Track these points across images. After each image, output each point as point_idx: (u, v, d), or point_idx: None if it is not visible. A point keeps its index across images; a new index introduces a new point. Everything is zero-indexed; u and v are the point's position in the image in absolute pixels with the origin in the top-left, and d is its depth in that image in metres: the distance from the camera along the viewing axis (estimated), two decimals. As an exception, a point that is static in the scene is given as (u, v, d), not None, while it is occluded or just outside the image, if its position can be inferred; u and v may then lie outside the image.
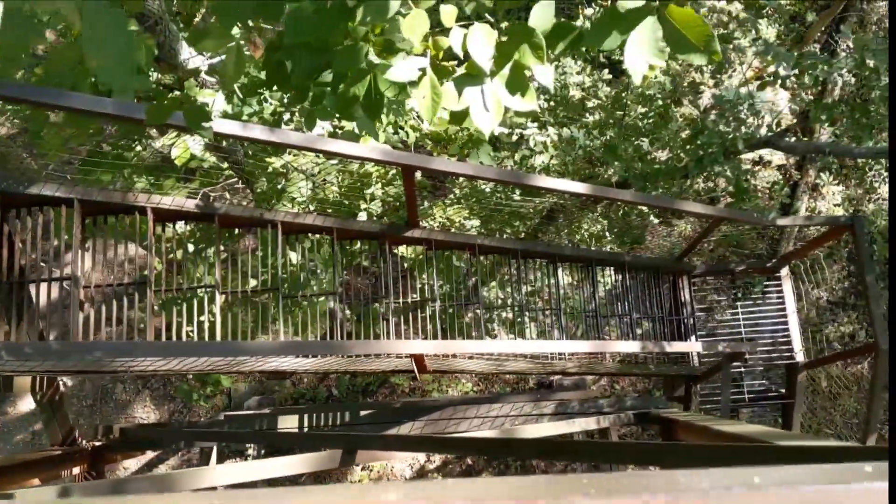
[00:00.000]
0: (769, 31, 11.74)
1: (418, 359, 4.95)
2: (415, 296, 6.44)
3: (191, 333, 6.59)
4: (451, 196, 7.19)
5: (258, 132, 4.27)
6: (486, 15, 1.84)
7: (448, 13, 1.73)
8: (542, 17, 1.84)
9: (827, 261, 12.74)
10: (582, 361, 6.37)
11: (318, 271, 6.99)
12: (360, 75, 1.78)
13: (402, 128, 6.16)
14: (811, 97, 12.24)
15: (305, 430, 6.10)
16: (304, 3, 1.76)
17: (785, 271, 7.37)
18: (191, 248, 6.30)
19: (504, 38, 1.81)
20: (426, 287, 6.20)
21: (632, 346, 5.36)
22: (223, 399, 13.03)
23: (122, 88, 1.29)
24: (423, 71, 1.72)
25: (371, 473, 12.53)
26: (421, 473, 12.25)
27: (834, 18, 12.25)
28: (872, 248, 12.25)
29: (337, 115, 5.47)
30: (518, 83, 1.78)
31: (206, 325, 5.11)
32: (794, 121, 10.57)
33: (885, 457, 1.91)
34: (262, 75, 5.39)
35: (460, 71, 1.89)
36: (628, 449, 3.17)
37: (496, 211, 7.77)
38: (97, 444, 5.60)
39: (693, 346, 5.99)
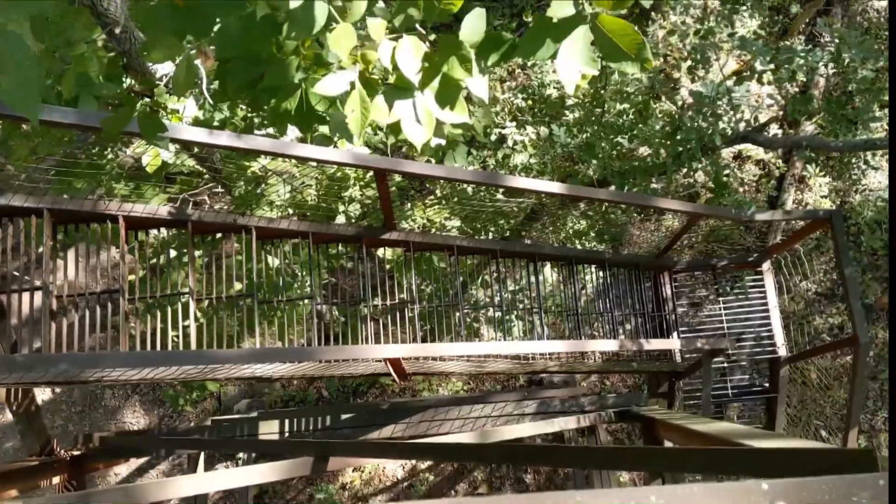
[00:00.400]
0: (752, 23, 11.73)
1: (394, 363, 4.93)
2: (400, 296, 6.42)
3: (176, 339, 6.58)
4: (432, 197, 7.17)
5: (225, 139, 4.25)
6: (419, 27, 1.82)
7: (376, 27, 1.71)
8: (473, 29, 1.82)
9: (815, 252, 12.77)
10: (563, 360, 6.36)
11: (300, 275, 6.97)
12: (291, 89, 1.77)
13: (381, 129, 6.14)
14: (797, 90, 12.26)
15: (287, 434, 6.09)
16: (232, 20, 1.74)
17: (767, 266, 7.37)
18: (173, 253, 6.28)
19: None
20: (406, 289, 6.18)
21: (609, 345, 5.35)
22: (213, 403, 13.00)
23: (25, 110, 1.27)
24: (352, 85, 1.71)
25: (362, 474, 12.52)
26: (412, 473, 12.25)
27: (819, 10, 12.25)
28: (860, 239, 12.28)
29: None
30: (448, 96, 1.76)
31: (192, 330, 5.09)
32: (781, 114, 10.57)
33: (808, 470, 1.91)
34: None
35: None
36: (588, 453, 3.17)
37: (479, 210, 7.76)
38: (76, 453, 5.58)
39: (671, 343, 5.98)
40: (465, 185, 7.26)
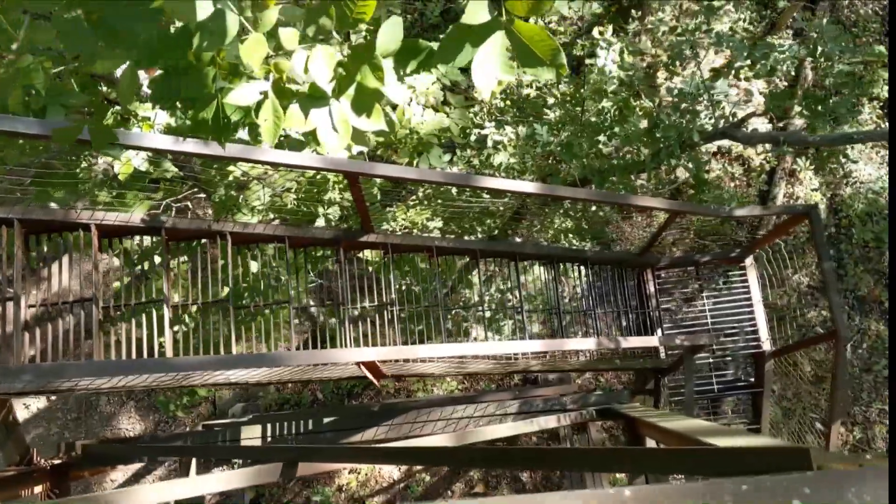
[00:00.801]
0: (740, 16, 11.71)
1: (370, 366, 4.94)
2: (381, 299, 6.42)
3: (162, 346, 6.60)
4: (414, 198, 7.17)
5: (191, 146, 4.25)
6: (336, 35, 1.82)
7: (288, 36, 1.72)
8: (389, 37, 1.83)
9: (808, 245, 12.77)
10: (546, 359, 6.37)
11: (283, 279, 6.98)
12: (208, 99, 1.78)
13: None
14: (786, 85, 12.24)
15: (269, 439, 6.10)
16: (145, 32, 1.75)
17: (749, 261, 7.37)
18: (158, 259, 6.29)
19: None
20: (387, 291, 6.18)
21: (586, 343, 5.35)
22: (208, 407, 13.03)
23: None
24: (265, 94, 1.72)
25: (358, 476, 12.54)
26: (409, 474, 12.26)
27: (806, 4, 12.23)
28: (851, 231, 12.26)
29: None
30: (364, 103, 1.77)
31: (167, 337, 5.10)
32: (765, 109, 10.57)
33: (748, 470, 1.91)
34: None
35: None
36: (556, 454, 3.17)
37: (464, 210, 7.76)
38: (57, 462, 5.59)
39: (650, 341, 5.99)
40: (448, 187, 7.26)
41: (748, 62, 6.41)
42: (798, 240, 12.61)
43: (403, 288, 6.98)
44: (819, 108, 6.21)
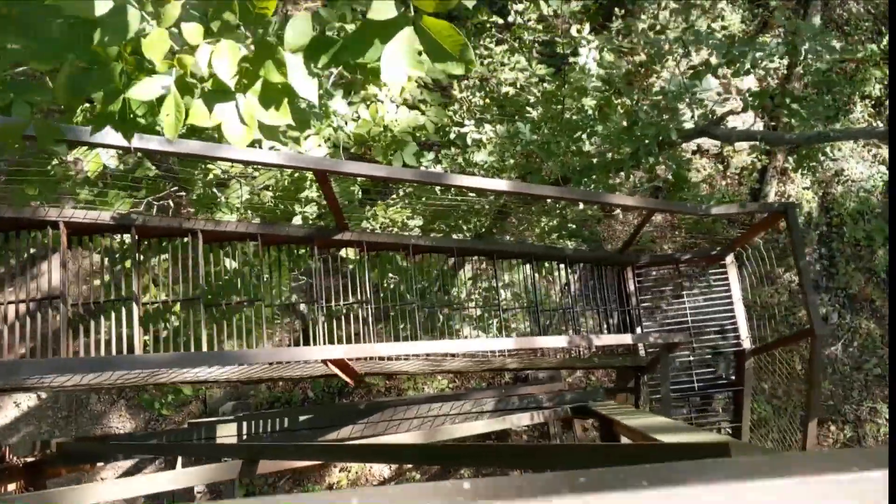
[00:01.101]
0: (722, 14, 11.70)
1: (339, 364, 4.94)
2: (364, 295, 6.42)
3: (148, 343, 6.61)
4: (394, 196, 7.18)
5: (155, 143, 4.26)
6: (244, 30, 1.82)
7: (192, 31, 1.72)
8: (298, 32, 1.83)
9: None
10: (521, 357, 6.37)
11: (266, 277, 6.98)
12: (114, 94, 1.78)
13: (340, 128, 6.14)
14: (777, 82, 12.20)
15: (245, 437, 6.11)
16: (46, 26, 1.75)
17: (730, 259, 7.36)
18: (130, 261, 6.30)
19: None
20: (362, 289, 6.18)
21: (559, 341, 5.35)
22: (199, 406, 13.05)
23: None
24: (168, 89, 1.72)
25: (349, 474, 12.56)
26: (399, 472, 12.27)
27: (799, 2, 12.21)
28: (843, 230, 12.24)
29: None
30: (270, 98, 1.77)
31: (135, 334, 5.11)
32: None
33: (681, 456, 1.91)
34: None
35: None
36: (502, 450, 3.17)
37: (449, 208, 7.76)
38: (30, 460, 5.61)
39: (622, 338, 5.98)
40: (429, 185, 7.26)
41: (725, 60, 6.39)
42: (789, 238, 12.57)
43: (391, 286, 6.99)
44: (797, 106, 6.20)
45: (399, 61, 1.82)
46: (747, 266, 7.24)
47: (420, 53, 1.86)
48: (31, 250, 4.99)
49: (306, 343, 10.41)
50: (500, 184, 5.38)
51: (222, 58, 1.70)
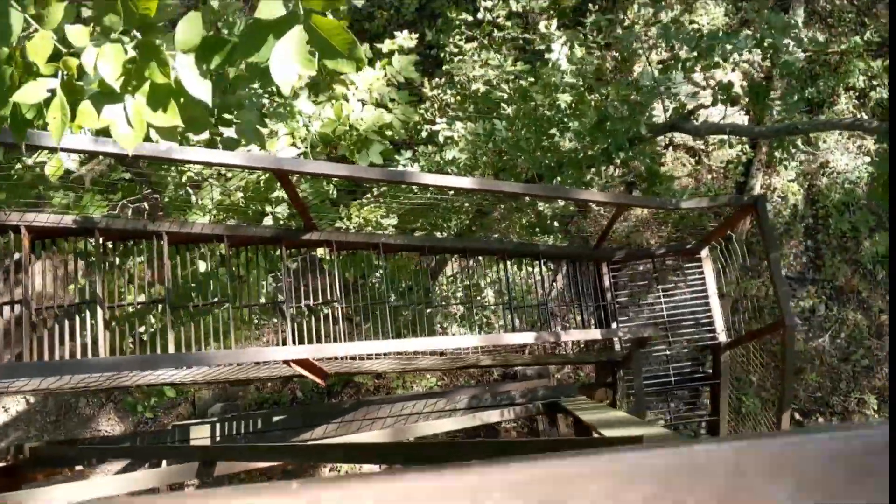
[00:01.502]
0: (717, 12, 11.70)
1: (305, 364, 4.94)
2: (334, 295, 6.42)
3: (132, 345, 6.62)
4: (369, 195, 7.17)
5: (111, 147, 4.25)
6: (136, 33, 1.82)
7: (77, 33, 1.72)
8: (188, 33, 1.83)
9: (784, 236, 12.74)
10: (494, 354, 6.37)
11: (247, 279, 6.99)
12: (3, 97, 1.78)
13: (306, 126, 6.13)
14: (762, 75, 12.20)
15: (219, 439, 6.11)
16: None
17: (705, 253, 7.35)
18: (119, 259, 6.30)
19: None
20: (332, 289, 6.18)
21: (526, 338, 5.35)
22: (188, 408, 13.07)
23: None
24: (53, 92, 1.72)
25: (339, 473, 12.58)
26: (388, 470, 12.24)
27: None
28: (829, 222, 12.24)
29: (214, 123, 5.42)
30: (159, 99, 1.77)
31: (100, 337, 5.12)
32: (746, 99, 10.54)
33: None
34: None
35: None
36: (438, 447, 3.18)
37: (429, 207, 7.75)
38: (2, 465, 5.61)
39: (591, 333, 5.98)
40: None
41: (695, 54, 6.39)
42: (776, 230, 12.59)
43: (371, 284, 6.99)
44: (766, 98, 6.19)
45: (289, 60, 1.82)
46: (721, 259, 7.23)
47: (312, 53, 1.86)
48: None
49: (294, 342, 10.44)
50: (465, 181, 5.38)
51: (107, 60, 1.70)
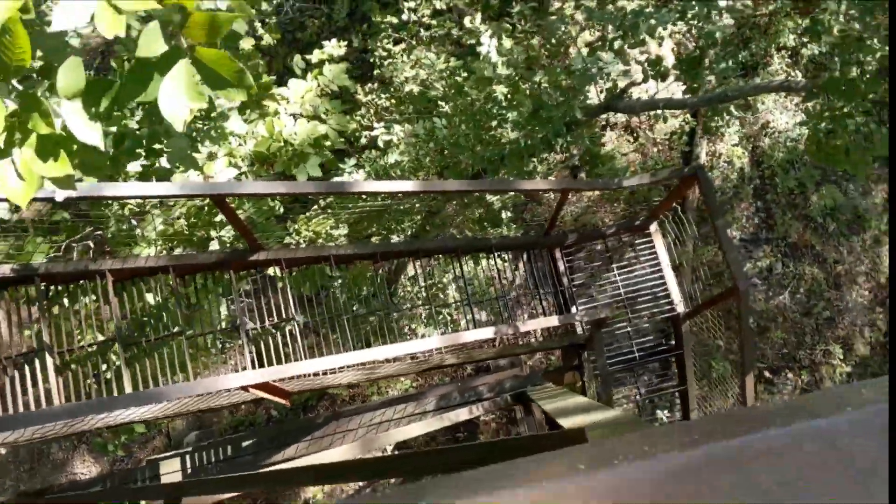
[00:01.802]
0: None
1: (265, 387, 4.90)
2: (289, 313, 6.36)
3: (94, 386, 6.49)
4: (316, 207, 7.12)
5: (40, 192, 4.15)
6: (15, 85, 1.78)
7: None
8: (70, 79, 1.80)
9: (734, 199, 12.97)
10: (458, 352, 6.37)
11: (206, 307, 6.89)
12: None
13: (241, 144, 6.08)
14: (695, 48, 12.36)
15: (189, 471, 6.03)
16: None
17: (654, 227, 7.43)
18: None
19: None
20: (286, 307, 6.13)
21: (484, 333, 5.36)
22: (163, 440, 12.89)
23: None
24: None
25: (324, 488, 12.57)
26: (373, 481, 12.23)
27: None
28: (775, 181, 12.46)
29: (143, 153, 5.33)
30: (47, 150, 1.73)
31: (52, 385, 5.01)
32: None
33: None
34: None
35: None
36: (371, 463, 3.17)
37: (379, 212, 7.72)
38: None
39: (549, 321, 6.02)
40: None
41: (620, 33, 6.45)
42: (725, 195, 12.82)
43: (330, 297, 6.94)
44: (694, 70, 6.27)
45: (178, 96, 1.79)
46: (673, 231, 7.33)
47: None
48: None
49: (263, 365, 10.35)
50: (406, 184, 5.38)
51: (-13, 115, 1.66)
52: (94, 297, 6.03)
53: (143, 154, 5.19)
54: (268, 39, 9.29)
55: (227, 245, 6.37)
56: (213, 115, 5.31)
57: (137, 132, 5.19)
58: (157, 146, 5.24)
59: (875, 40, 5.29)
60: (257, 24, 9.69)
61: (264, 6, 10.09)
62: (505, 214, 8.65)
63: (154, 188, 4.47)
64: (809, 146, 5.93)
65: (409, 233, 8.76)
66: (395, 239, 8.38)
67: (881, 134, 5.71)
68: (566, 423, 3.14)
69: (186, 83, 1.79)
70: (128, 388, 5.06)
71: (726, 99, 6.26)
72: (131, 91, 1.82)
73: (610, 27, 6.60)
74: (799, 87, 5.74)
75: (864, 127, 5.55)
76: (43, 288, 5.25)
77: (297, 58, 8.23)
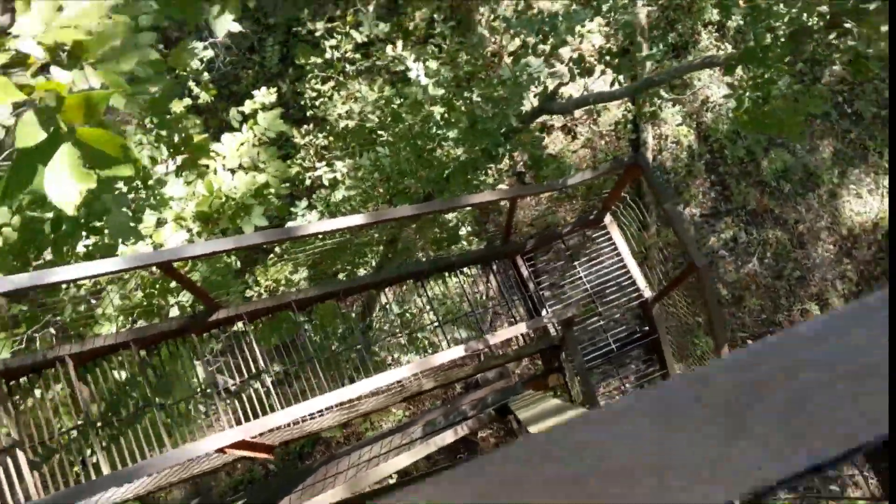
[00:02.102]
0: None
1: (244, 445, 4.84)
2: (258, 366, 6.31)
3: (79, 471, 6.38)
4: (272, 256, 7.10)
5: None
6: None
7: None
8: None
9: (688, 178, 13.14)
10: (434, 375, 6.37)
11: (181, 373, 6.81)
12: None
13: (182, 220, 6.06)
14: (622, 41, 12.57)
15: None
16: None
17: (608, 219, 7.51)
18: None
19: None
20: (254, 360, 6.09)
21: (454, 353, 5.36)
22: (164, 514, 12.68)
23: None
24: None
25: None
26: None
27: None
28: (724, 153, 12.66)
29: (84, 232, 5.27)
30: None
31: (28, 484, 4.92)
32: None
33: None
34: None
35: None
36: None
37: (339, 249, 7.72)
38: None
39: (517, 329, 6.04)
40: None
41: (539, 38, 6.55)
42: (678, 175, 13.00)
43: (313, 339, 6.90)
44: (616, 62, 6.38)
45: (64, 180, 1.79)
46: (627, 220, 7.41)
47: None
48: None
49: (248, 419, 10.25)
50: (354, 219, 5.38)
51: None
52: (59, 387, 5.97)
53: (85, 234, 5.16)
54: (205, 97, 9.29)
55: (188, 309, 6.32)
56: (150, 182, 5.29)
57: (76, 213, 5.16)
58: (97, 223, 5.21)
59: (781, 5, 5.43)
60: (192, 84, 9.69)
61: (196, 65, 10.10)
62: (465, 230, 8.71)
63: (97, 266, 4.43)
64: (740, 118, 6.05)
65: (373, 264, 8.76)
66: (361, 272, 8.38)
67: (807, 93, 5.85)
68: (534, 429, 3.15)
69: (71, 166, 1.79)
70: (105, 470, 4.98)
71: (653, 84, 6.37)
72: (18, 183, 1.81)
73: (532, 33, 6.70)
74: (719, 61, 5.86)
75: (788, 90, 5.68)
76: (6, 385, 5.16)
77: (233, 111, 8.24)
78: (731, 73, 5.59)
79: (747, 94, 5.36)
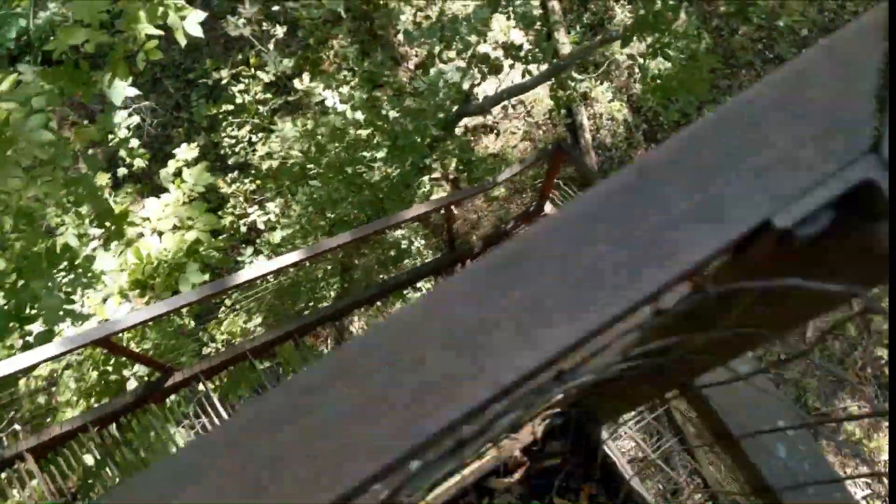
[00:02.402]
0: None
1: None
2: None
3: None
4: (223, 309, 7.04)
5: None
6: None
7: None
8: None
9: (630, 151, 13.28)
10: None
11: (155, 439, 6.72)
12: None
13: (123, 292, 6.00)
14: (541, 31, 12.70)
15: None
16: None
17: (549, 207, 7.54)
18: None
19: None
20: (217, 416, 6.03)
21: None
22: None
23: None
24: None
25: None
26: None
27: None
28: (660, 119, 12.83)
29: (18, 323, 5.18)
30: None
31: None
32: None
33: None
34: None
35: None
36: None
37: (291, 288, 7.68)
38: None
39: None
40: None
41: (443, 45, 6.60)
42: (619, 150, 13.14)
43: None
44: (520, 54, 6.45)
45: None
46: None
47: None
48: None
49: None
50: (290, 257, 5.37)
51: None
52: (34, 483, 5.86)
53: (18, 326, 5.09)
54: (139, 163, 9.22)
55: (145, 378, 6.24)
56: (76, 262, 5.23)
57: (4, 307, 5.08)
58: (29, 312, 5.14)
59: (663, -30, 5.52)
60: (122, 153, 9.61)
61: (123, 133, 10.01)
62: (416, 244, 8.72)
63: (32, 356, 4.36)
64: (651, 89, 6.14)
65: (332, 296, 8.72)
66: (323, 305, 8.34)
67: (701, 49, 5.94)
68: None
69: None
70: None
71: (560, 69, 6.44)
72: None
73: (435, 41, 6.75)
74: (615, 38, 5.94)
75: (686, 50, 5.78)
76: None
77: (163, 172, 8.18)
78: (627, 44, 5.67)
79: (647, 61, 5.45)
